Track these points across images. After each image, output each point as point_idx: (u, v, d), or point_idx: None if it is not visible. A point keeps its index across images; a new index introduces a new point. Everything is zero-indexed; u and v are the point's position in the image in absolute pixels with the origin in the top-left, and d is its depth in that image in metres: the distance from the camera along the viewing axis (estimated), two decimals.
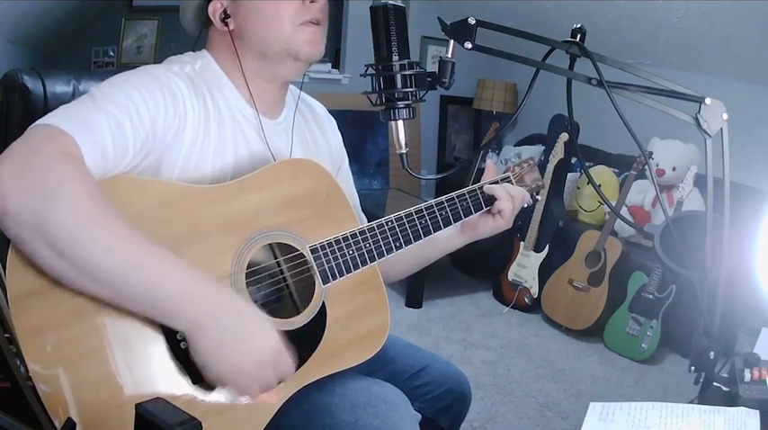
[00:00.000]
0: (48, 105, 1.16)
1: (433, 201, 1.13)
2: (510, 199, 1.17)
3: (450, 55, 0.93)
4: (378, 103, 0.93)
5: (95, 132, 0.83)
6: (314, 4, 1.00)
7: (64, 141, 0.80)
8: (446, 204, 1.14)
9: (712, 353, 0.93)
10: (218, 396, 0.89)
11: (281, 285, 1.02)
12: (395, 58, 0.90)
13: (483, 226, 1.20)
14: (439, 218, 1.12)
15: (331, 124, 1.26)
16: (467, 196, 1.16)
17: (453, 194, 1.15)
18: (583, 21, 1.01)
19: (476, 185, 1.19)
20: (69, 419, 0.78)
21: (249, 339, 0.83)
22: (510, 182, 1.24)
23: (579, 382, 2.59)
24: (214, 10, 1.02)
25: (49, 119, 0.82)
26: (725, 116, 0.90)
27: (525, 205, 1.23)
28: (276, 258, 1.01)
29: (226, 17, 1.01)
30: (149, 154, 0.91)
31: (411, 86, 0.92)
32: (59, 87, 1.20)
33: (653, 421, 0.82)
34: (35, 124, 0.81)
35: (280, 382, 0.89)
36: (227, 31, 1.02)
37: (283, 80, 1.09)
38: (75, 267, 0.76)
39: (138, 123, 0.88)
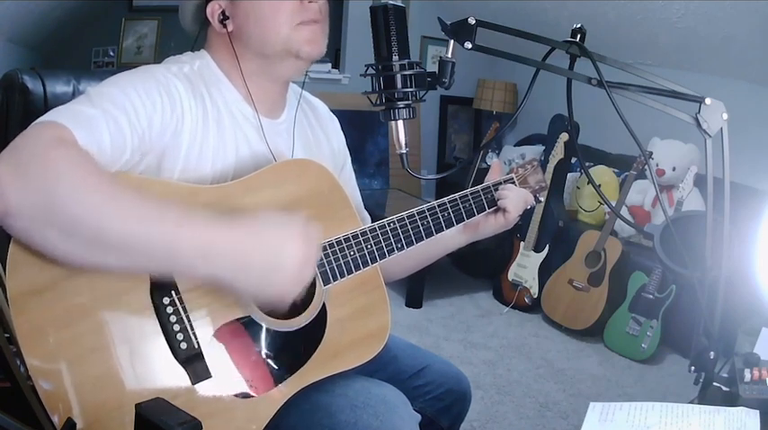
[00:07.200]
0: (48, 105, 1.16)
1: (435, 203, 1.12)
2: (516, 199, 1.17)
3: (450, 55, 0.93)
4: (378, 102, 0.93)
5: (93, 128, 0.83)
6: (312, 3, 1.00)
7: (58, 130, 0.79)
8: (448, 205, 1.13)
9: (712, 353, 0.93)
10: (218, 396, 0.89)
11: None
12: (395, 58, 0.90)
13: (484, 225, 1.20)
14: (441, 219, 1.12)
15: (333, 123, 1.26)
16: (469, 197, 1.16)
17: (456, 195, 1.15)
18: (583, 21, 1.00)
19: (479, 187, 1.19)
20: (69, 419, 0.78)
21: (275, 273, 0.83)
22: (513, 183, 1.24)
23: (579, 382, 2.59)
24: (212, 11, 1.01)
25: (46, 117, 0.82)
26: (725, 116, 0.90)
27: (528, 207, 1.23)
28: None
29: (224, 18, 1.01)
30: (147, 153, 0.91)
31: (411, 86, 0.92)
32: (59, 87, 1.20)
33: (653, 421, 0.82)
34: (33, 123, 0.81)
35: None
36: (225, 33, 1.02)
37: (285, 79, 1.09)
38: (87, 243, 0.75)
39: (135, 121, 0.88)
